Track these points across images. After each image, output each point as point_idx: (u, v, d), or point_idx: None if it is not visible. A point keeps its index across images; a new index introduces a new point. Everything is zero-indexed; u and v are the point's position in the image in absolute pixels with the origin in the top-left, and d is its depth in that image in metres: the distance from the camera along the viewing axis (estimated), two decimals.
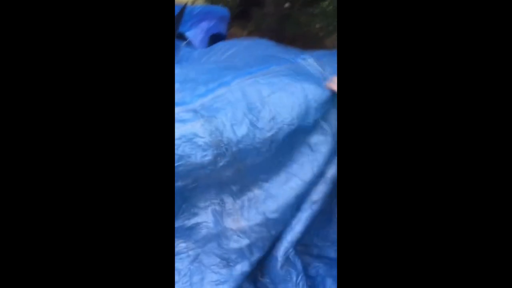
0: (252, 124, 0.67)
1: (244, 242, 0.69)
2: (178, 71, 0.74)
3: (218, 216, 0.68)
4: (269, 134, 0.67)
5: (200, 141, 0.65)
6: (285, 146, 0.70)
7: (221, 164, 0.65)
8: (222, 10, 1.19)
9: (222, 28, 1.19)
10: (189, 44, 1.14)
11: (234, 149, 0.66)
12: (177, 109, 0.67)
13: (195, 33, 1.16)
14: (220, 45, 0.96)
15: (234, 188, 0.69)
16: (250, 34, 1.18)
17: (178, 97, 0.70)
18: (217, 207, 0.69)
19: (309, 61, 0.74)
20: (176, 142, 0.65)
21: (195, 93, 0.70)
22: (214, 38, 1.16)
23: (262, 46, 0.87)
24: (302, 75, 0.71)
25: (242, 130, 0.67)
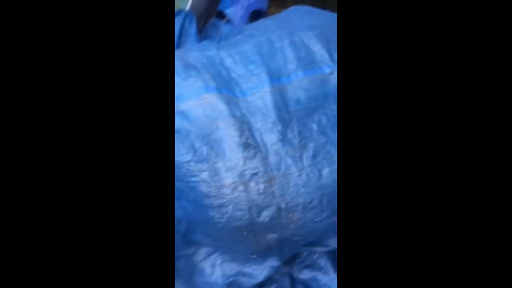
0: (282, 133, 0.68)
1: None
2: (211, 53, 0.76)
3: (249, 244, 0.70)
4: (298, 145, 0.68)
5: (231, 142, 0.66)
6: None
7: (249, 170, 0.66)
8: None
9: (262, 4, 1.15)
10: (229, 21, 1.12)
11: (263, 154, 0.66)
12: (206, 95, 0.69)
13: (235, 10, 1.13)
14: (258, 23, 0.93)
15: (266, 213, 0.69)
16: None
17: (211, 85, 0.71)
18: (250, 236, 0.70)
19: (335, 74, 0.73)
20: (206, 138, 0.67)
21: (227, 81, 0.71)
22: (255, 15, 1.13)
23: (299, 24, 0.83)
24: (327, 96, 0.71)
25: (271, 139, 0.67)
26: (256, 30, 0.82)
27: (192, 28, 1.05)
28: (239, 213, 0.67)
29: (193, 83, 0.69)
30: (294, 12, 0.88)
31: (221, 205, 0.67)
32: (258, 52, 0.73)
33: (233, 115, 0.68)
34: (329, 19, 0.84)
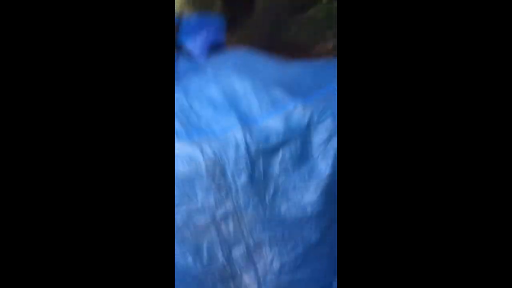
0: (251, 173, 0.72)
1: None
2: (181, 102, 0.77)
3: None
4: (263, 183, 0.73)
5: (202, 183, 0.69)
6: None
7: (221, 211, 0.69)
8: (219, 19, 1.18)
9: (220, 37, 1.18)
10: (188, 55, 1.14)
11: (234, 195, 0.69)
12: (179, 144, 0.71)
13: (193, 44, 1.15)
14: (217, 59, 0.96)
15: (240, 249, 0.72)
16: (240, 41, 1.17)
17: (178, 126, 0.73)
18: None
19: (298, 109, 0.77)
20: (179, 183, 0.69)
21: (197, 126, 0.74)
22: (214, 48, 1.16)
23: (256, 67, 0.88)
24: (292, 131, 0.77)
25: (241, 178, 0.71)
26: (218, 72, 0.86)
27: None
28: (213, 253, 0.70)
29: None
30: (248, 57, 0.94)
31: (197, 249, 0.69)
32: (224, 98, 0.77)
33: (205, 158, 0.70)
34: (277, 64, 0.91)
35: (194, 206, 0.69)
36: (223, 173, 0.70)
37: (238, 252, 0.72)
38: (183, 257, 0.70)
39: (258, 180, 0.72)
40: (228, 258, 0.71)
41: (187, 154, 0.70)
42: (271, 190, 0.74)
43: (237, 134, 0.73)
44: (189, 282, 0.72)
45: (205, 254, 0.70)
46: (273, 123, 0.76)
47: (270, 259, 0.74)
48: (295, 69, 0.87)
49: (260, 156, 0.73)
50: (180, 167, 0.70)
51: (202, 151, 0.70)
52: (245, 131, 0.73)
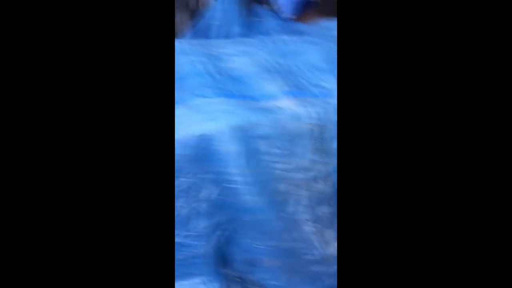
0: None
1: None
2: (280, 60, 0.79)
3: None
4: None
5: (303, 142, 0.73)
6: None
7: (313, 172, 0.73)
8: None
9: None
10: (275, 10, 1.12)
11: (327, 159, 0.73)
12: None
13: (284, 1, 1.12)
14: (315, 25, 0.96)
15: (324, 208, 0.77)
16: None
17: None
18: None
19: None
20: (285, 137, 0.71)
21: (301, 87, 0.77)
22: (305, 4, 1.13)
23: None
24: None
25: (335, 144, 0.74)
26: (311, 37, 0.86)
27: (237, 16, 1.06)
28: (300, 208, 0.75)
29: (268, 85, 0.75)
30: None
31: (285, 200, 0.75)
32: (325, 63, 0.79)
33: (308, 119, 0.73)
34: None
35: (294, 162, 0.73)
36: (322, 136, 0.73)
37: (322, 210, 0.76)
38: (269, 208, 0.75)
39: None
40: (313, 214, 0.76)
41: (293, 112, 0.73)
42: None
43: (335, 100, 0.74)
44: (270, 231, 0.77)
45: (291, 207, 0.75)
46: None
47: None
48: None
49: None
50: (287, 124, 0.72)
51: (305, 112, 0.73)
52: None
